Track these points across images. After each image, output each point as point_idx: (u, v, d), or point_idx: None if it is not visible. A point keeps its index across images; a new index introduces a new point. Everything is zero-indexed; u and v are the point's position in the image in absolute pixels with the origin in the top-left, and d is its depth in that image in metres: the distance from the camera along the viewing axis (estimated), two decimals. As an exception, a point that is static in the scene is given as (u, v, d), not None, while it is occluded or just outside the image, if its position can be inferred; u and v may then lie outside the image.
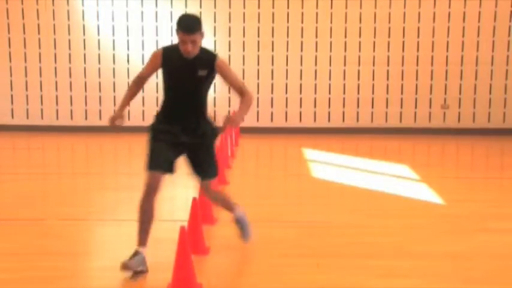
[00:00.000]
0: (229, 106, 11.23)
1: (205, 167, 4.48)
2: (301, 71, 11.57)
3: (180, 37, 4.15)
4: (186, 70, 4.25)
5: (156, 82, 11.50)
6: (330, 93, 11.66)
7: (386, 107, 11.65)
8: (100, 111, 11.77)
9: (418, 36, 11.45)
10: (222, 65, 4.36)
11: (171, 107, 4.38)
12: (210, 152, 4.50)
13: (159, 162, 4.26)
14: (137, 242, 4.24)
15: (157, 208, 4.26)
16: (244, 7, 11.49)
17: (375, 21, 11.43)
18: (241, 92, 4.43)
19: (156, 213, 4.27)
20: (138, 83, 4.50)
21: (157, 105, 11.29)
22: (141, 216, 4.24)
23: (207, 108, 4.49)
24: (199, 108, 4.40)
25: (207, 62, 4.29)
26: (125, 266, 4.10)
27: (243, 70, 11.53)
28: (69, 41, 11.63)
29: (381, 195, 6.79)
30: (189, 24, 4.14)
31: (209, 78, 4.35)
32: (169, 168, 4.33)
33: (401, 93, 11.63)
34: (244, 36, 11.52)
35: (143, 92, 12.54)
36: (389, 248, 4.91)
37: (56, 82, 11.74)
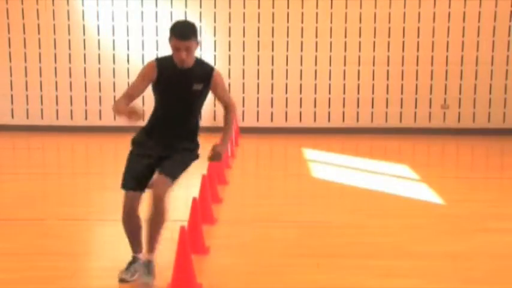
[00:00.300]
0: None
1: (170, 162, 4.03)
2: (301, 71, 11.57)
3: (174, 44, 3.94)
4: (180, 83, 4.00)
5: (156, 82, 11.50)
6: (330, 93, 11.65)
7: (386, 107, 11.65)
8: (100, 111, 11.76)
9: (418, 36, 11.45)
10: (218, 79, 4.12)
11: (160, 121, 4.11)
12: (183, 158, 4.10)
13: (135, 183, 4.06)
14: (132, 251, 4.25)
15: (141, 217, 4.19)
16: (244, 7, 11.49)
17: (375, 21, 11.43)
18: (227, 106, 4.25)
19: (142, 221, 4.20)
20: (129, 100, 4.08)
21: (157, 105, 11.28)
22: (128, 231, 4.19)
23: (198, 131, 4.23)
24: (189, 129, 4.15)
25: (204, 75, 4.05)
26: (121, 280, 4.11)
27: (243, 70, 11.53)
28: (69, 41, 11.63)
29: (381, 195, 6.79)
30: (183, 31, 3.94)
31: (204, 93, 4.11)
32: (142, 189, 4.11)
33: (401, 93, 11.62)
34: (244, 36, 11.51)
35: (143, 92, 12.45)
36: (389, 248, 4.91)
37: (56, 82, 11.74)
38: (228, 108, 4.25)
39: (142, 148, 4.10)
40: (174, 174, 4.00)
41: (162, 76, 4.02)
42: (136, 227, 4.18)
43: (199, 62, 4.10)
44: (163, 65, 4.05)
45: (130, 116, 3.83)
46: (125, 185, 4.10)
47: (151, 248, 4.11)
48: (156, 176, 4.04)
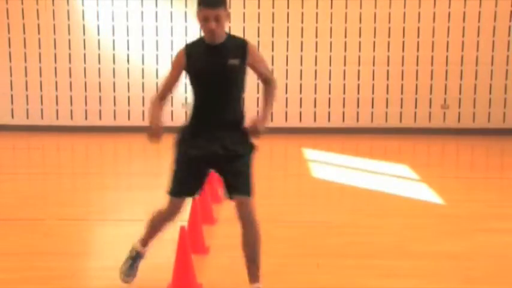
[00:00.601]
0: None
1: (241, 179, 3.69)
2: (301, 71, 11.57)
3: (202, 15, 3.55)
4: (214, 60, 3.63)
5: (156, 81, 11.50)
6: (330, 93, 11.66)
7: (386, 107, 11.65)
8: (100, 111, 11.76)
9: (418, 36, 11.45)
10: (254, 50, 3.77)
11: (202, 113, 3.72)
12: (247, 165, 3.74)
13: (184, 189, 3.79)
14: (141, 243, 4.11)
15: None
16: (244, 7, 11.49)
17: (375, 21, 11.44)
18: (269, 80, 3.88)
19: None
20: (163, 97, 3.80)
21: (157, 105, 11.28)
22: (152, 226, 4.03)
23: (244, 118, 3.81)
24: (235, 112, 3.75)
25: (238, 48, 3.69)
26: (125, 282, 4.08)
27: (243, 70, 11.52)
28: (69, 41, 11.63)
29: (381, 195, 6.79)
30: None
31: (242, 69, 3.70)
32: (194, 193, 3.87)
33: (401, 93, 11.63)
34: (244, 36, 11.49)
35: (143, 91, 12.56)
36: (389, 248, 4.91)
37: (56, 82, 11.74)
38: (269, 82, 3.88)
39: (192, 148, 3.71)
40: (250, 190, 3.70)
41: (194, 58, 3.68)
42: (162, 228, 4.03)
43: (231, 36, 3.75)
44: (193, 47, 3.73)
45: (149, 135, 3.66)
46: (173, 192, 3.78)
47: (257, 276, 3.81)
48: (235, 199, 3.69)
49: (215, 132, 3.68)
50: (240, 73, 3.71)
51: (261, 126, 3.70)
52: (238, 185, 3.68)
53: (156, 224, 4.02)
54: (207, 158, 3.69)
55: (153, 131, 3.65)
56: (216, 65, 3.63)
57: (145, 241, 4.12)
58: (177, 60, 3.74)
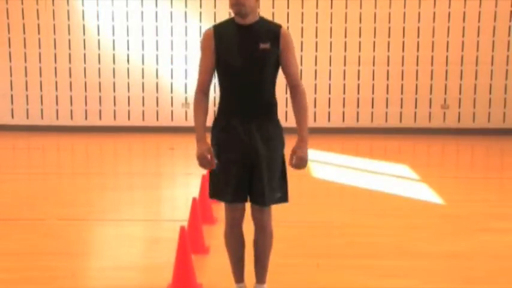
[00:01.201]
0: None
1: (264, 186, 3.49)
2: (301, 71, 11.56)
3: None
4: (244, 43, 3.34)
5: (156, 82, 11.50)
6: (330, 93, 11.66)
7: (387, 107, 11.65)
8: (100, 111, 11.76)
9: (418, 36, 11.45)
10: (288, 39, 3.47)
11: (230, 103, 3.43)
12: (276, 166, 3.60)
13: (237, 191, 3.47)
14: (235, 280, 3.79)
15: (245, 234, 3.73)
16: (244, 7, 11.48)
17: (375, 21, 11.44)
18: (296, 84, 3.50)
19: (245, 238, 3.72)
20: (205, 93, 3.48)
21: (157, 105, 11.30)
22: (230, 252, 3.69)
23: (276, 107, 3.59)
24: (265, 101, 3.47)
25: (270, 32, 3.39)
26: None
27: (243, 70, 11.52)
28: (69, 41, 11.63)
29: (381, 195, 6.79)
30: None
31: (273, 55, 3.39)
32: (243, 194, 3.52)
33: (401, 93, 11.63)
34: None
35: (143, 91, 12.53)
36: (389, 248, 4.91)
37: (56, 82, 11.74)
38: (296, 88, 3.50)
39: (224, 153, 3.46)
40: (269, 200, 3.55)
41: (222, 39, 3.38)
42: (239, 246, 3.67)
43: (264, 19, 3.47)
44: (221, 28, 3.43)
45: (200, 164, 3.42)
46: (224, 198, 3.52)
47: (263, 277, 3.75)
48: (252, 207, 3.56)
49: (246, 126, 3.43)
50: (272, 58, 3.39)
51: (304, 154, 3.49)
52: (258, 191, 3.49)
53: (231, 245, 3.68)
54: (240, 159, 3.45)
55: (204, 164, 3.41)
56: (246, 49, 3.34)
57: (235, 274, 3.78)
58: (206, 41, 3.41)
